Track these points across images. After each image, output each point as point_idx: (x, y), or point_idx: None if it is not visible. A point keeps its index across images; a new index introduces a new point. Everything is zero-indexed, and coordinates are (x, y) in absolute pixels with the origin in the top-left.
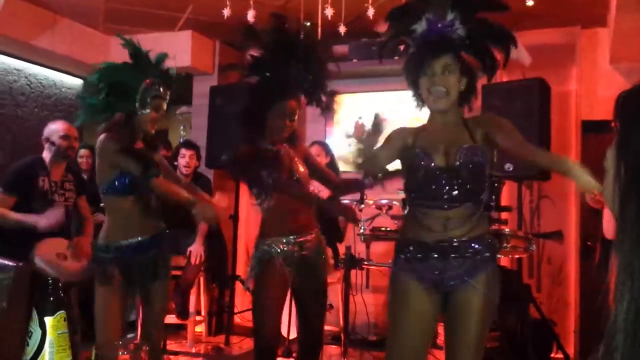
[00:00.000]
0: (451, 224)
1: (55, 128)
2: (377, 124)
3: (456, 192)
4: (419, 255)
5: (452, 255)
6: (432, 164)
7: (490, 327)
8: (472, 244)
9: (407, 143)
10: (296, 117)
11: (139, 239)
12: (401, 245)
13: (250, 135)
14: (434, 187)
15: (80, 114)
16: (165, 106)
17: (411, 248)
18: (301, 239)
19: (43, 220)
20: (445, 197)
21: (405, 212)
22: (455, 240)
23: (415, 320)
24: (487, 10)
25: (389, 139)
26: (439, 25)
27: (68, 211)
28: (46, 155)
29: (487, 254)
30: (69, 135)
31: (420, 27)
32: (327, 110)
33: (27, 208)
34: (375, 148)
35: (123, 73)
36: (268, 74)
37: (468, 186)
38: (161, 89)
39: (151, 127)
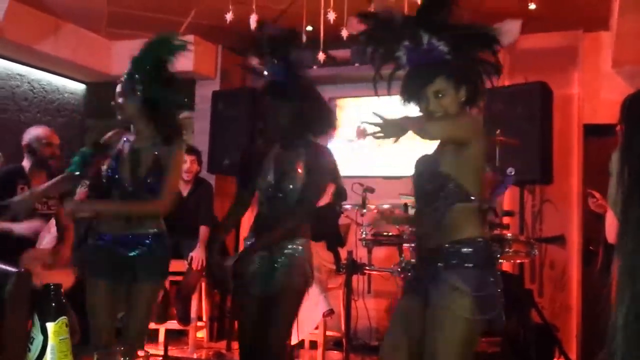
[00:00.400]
0: (425, 234)
1: (36, 134)
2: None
3: (422, 200)
4: (412, 260)
5: (423, 264)
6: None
7: (457, 342)
8: (433, 254)
9: None
10: (280, 117)
11: (122, 233)
12: None
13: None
14: (415, 198)
15: None
16: (118, 90)
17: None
18: (277, 247)
19: (18, 227)
20: (418, 206)
21: None
22: (422, 250)
23: (401, 317)
24: (450, 16)
25: None
26: (418, 54)
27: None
28: (26, 163)
29: (441, 265)
30: (51, 143)
31: (403, 54)
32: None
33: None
34: None
35: None
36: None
37: (427, 194)
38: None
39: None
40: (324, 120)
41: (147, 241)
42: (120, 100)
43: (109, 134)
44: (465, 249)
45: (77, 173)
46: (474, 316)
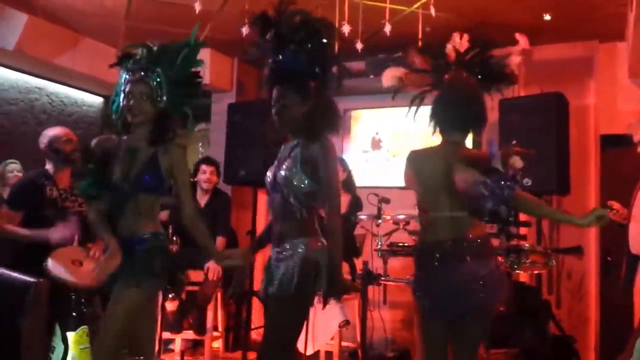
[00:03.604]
0: None
1: (56, 134)
2: None
3: None
4: None
5: None
6: None
7: None
8: None
9: None
10: (286, 105)
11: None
12: None
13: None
14: None
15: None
16: (136, 88)
17: None
18: (277, 249)
19: (55, 234)
20: None
21: None
22: None
23: None
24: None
25: None
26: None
27: (83, 217)
28: (49, 166)
29: None
30: (71, 139)
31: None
32: (337, 85)
33: (39, 219)
34: None
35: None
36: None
37: None
38: (128, 73)
39: (129, 117)
40: (332, 120)
41: (139, 246)
42: (140, 102)
43: (97, 141)
44: None
45: (95, 196)
46: None
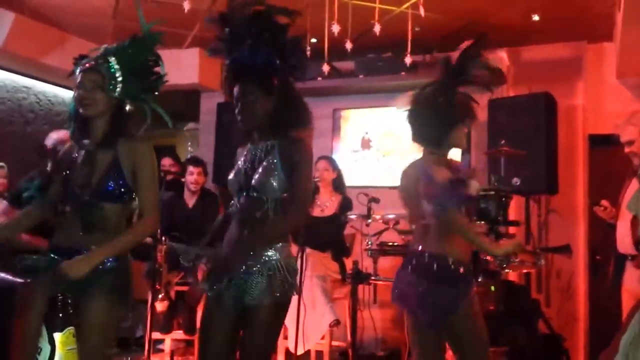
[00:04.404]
0: None
1: (58, 137)
2: None
3: None
4: None
5: None
6: None
7: None
8: None
9: None
10: (248, 101)
11: (79, 246)
12: None
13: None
14: None
15: None
16: (86, 76)
17: None
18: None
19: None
20: None
21: None
22: None
23: None
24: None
25: None
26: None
27: None
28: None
29: None
30: None
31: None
32: (300, 72)
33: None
34: None
35: None
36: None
37: None
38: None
39: (81, 109)
40: (300, 116)
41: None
42: (91, 92)
43: (65, 147)
44: None
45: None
46: None
